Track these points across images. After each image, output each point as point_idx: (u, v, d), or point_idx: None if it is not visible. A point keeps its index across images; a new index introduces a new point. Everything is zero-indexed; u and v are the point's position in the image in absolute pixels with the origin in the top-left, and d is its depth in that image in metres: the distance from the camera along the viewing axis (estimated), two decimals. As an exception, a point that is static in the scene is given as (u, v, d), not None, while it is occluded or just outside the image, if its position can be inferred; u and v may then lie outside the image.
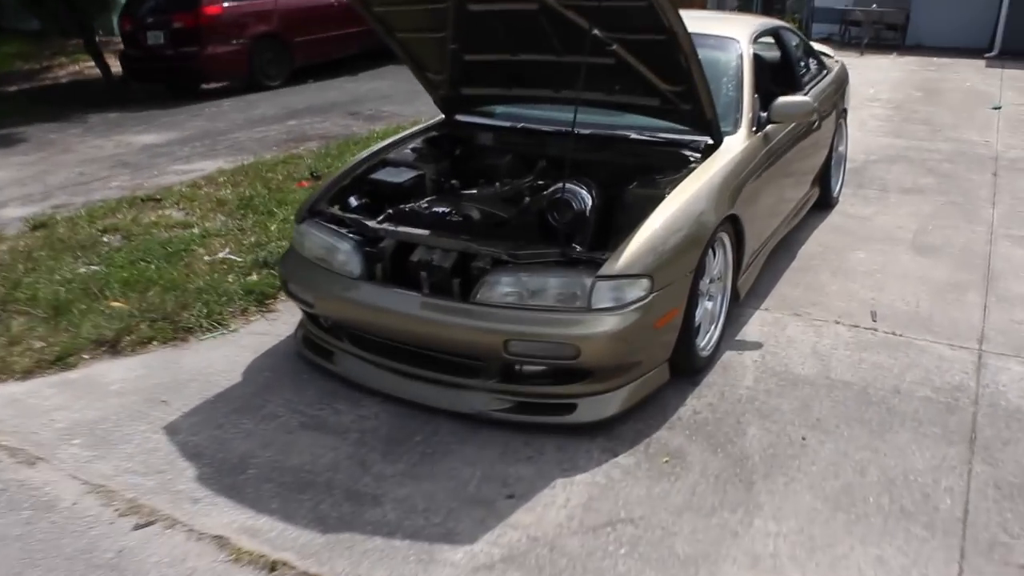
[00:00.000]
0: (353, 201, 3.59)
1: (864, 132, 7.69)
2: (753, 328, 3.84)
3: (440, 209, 3.41)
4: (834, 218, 5.39)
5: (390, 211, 3.40)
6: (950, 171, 6.47)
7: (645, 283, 2.89)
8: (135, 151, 7.73)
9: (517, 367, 3.00)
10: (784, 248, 4.64)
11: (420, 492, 2.68)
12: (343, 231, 3.33)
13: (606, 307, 2.84)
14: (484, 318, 2.90)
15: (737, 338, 3.74)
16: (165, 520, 2.59)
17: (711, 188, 3.32)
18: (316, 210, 3.51)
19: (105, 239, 5.11)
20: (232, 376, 3.45)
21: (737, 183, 3.51)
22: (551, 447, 2.92)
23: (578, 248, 3.10)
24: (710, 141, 3.61)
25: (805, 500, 2.64)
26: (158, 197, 5.98)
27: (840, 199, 5.70)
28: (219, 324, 3.94)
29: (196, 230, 5.20)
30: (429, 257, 3.09)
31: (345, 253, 3.24)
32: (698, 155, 3.54)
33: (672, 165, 3.50)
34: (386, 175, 3.72)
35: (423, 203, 3.49)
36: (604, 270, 2.86)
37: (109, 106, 9.87)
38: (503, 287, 2.93)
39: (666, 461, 2.83)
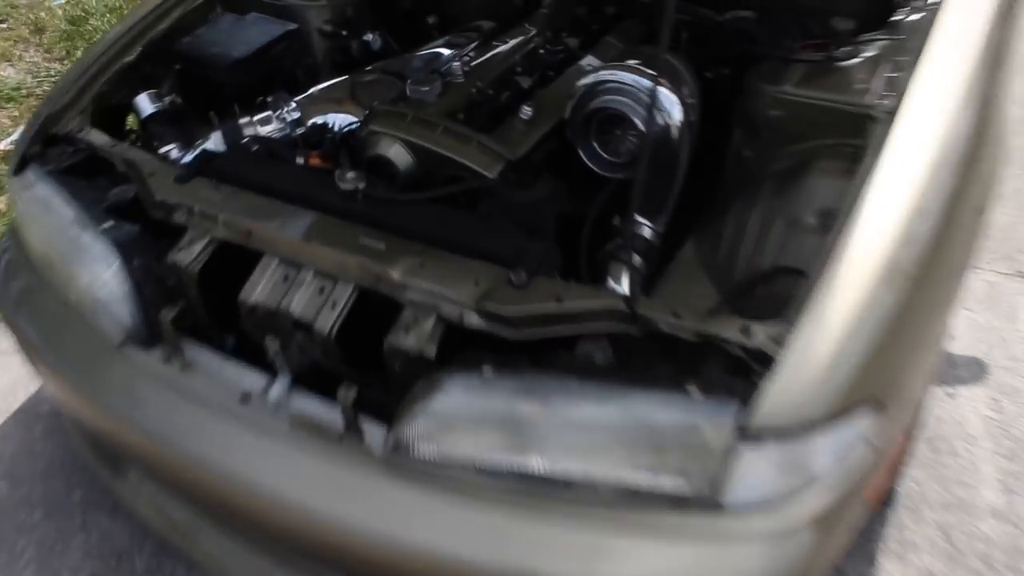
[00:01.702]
0: (146, 105, 1.59)
1: None
2: (959, 319, 2.03)
3: (330, 134, 1.44)
4: None
5: (206, 146, 1.43)
6: None
7: (865, 420, 1.03)
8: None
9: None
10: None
11: None
12: (101, 205, 1.40)
13: (766, 501, 0.99)
14: (413, 512, 1.04)
15: (934, 350, 1.94)
16: None
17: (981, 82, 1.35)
18: (57, 135, 1.53)
19: None
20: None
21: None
22: None
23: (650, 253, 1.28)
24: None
25: None
26: (-52, 15, 3.85)
27: None
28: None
29: (-19, 85, 3.19)
30: (281, 298, 1.20)
31: (91, 270, 1.33)
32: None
33: (863, 13, 1.51)
34: (211, 39, 1.68)
35: (286, 110, 1.49)
36: (769, 412, 0.94)
37: None
38: (472, 422, 1.06)
39: None
